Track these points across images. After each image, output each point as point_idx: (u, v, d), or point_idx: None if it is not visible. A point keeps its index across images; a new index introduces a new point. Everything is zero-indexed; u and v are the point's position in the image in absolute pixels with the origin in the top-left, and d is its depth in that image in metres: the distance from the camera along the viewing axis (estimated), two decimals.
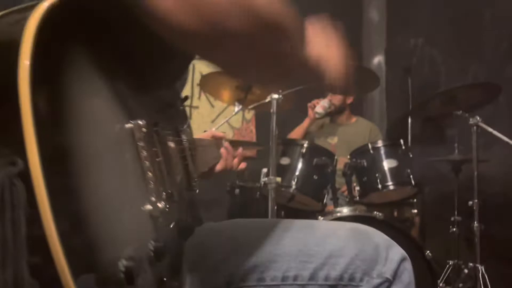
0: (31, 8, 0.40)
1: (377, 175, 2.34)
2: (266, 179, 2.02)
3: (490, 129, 2.41)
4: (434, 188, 3.61)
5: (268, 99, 2.07)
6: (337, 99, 3.22)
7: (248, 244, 0.69)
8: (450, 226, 2.81)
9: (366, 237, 0.73)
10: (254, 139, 3.82)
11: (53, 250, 0.35)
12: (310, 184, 2.40)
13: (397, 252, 0.72)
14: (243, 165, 1.15)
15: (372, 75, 2.43)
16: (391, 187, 2.33)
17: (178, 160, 0.69)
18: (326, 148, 2.58)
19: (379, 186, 2.32)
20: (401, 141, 2.44)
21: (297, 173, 2.40)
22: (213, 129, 2.56)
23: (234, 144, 3.41)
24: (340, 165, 2.54)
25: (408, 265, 0.72)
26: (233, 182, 2.85)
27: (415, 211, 2.71)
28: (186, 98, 0.77)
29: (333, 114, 3.31)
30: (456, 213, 2.85)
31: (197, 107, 3.75)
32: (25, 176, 0.35)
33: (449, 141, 2.98)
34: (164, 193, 0.57)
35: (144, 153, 0.53)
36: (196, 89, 3.72)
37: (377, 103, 4.35)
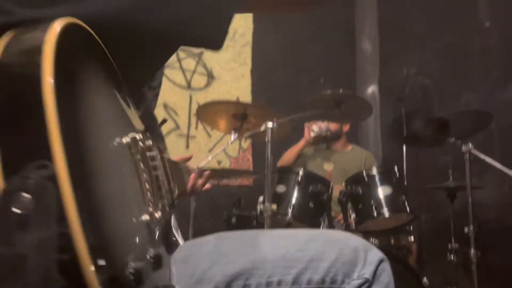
0: (43, 28, 0.45)
1: (372, 202, 2.36)
2: (262, 206, 2.04)
3: (482, 156, 2.44)
4: (430, 215, 3.62)
5: (263, 128, 2.11)
6: (334, 126, 3.27)
7: (231, 253, 0.71)
8: (448, 253, 2.80)
9: (345, 241, 0.75)
10: (251, 168, 3.85)
11: (77, 245, 0.38)
12: (306, 212, 2.41)
13: (375, 253, 0.74)
14: (208, 187, 1.24)
15: (365, 104, 2.48)
16: (387, 214, 2.35)
17: (164, 177, 0.72)
18: (322, 176, 2.60)
19: (375, 213, 2.34)
20: (395, 168, 2.47)
21: (293, 201, 2.41)
22: (209, 157, 2.60)
23: (231, 173, 3.45)
24: (336, 193, 2.56)
25: (386, 266, 0.75)
26: (229, 210, 2.86)
27: (412, 238, 2.71)
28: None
29: (329, 140, 3.35)
30: (453, 240, 2.84)
31: (194, 137, 3.79)
32: (54, 178, 0.39)
33: (443, 168, 3.01)
34: (160, 204, 0.60)
35: (141, 166, 0.56)
36: (193, 119, 3.77)
37: (372, 131, 4.41)
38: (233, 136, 2.47)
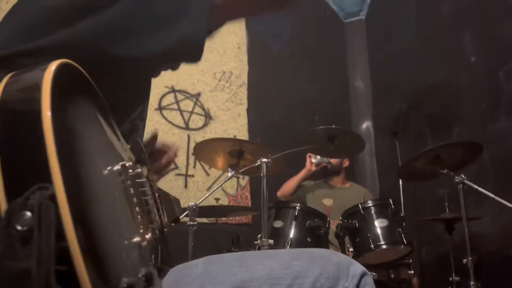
0: (41, 68, 0.50)
1: (369, 235, 2.38)
2: (258, 241, 2.05)
3: (475, 186, 2.48)
4: (430, 248, 3.60)
5: (258, 163, 2.16)
6: (334, 160, 3.33)
7: (220, 274, 0.74)
8: (449, 286, 2.78)
9: (328, 257, 0.79)
10: (249, 206, 3.86)
11: (75, 259, 0.42)
12: (304, 247, 2.42)
13: (357, 267, 0.77)
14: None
15: (358, 138, 2.54)
16: (384, 247, 2.36)
17: (153, 203, 0.77)
18: (318, 210, 2.63)
19: (372, 246, 2.35)
20: (390, 200, 2.49)
21: (290, 235, 2.43)
22: (207, 194, 2.63)
23: (229, 209, 3.44)
24: (334, 228, 2.58)
25: (369, 280, 0.78)
26: (228, 248, 2.86)
27: (412, 271, 2.70)
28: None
29: (329, 173, 3.39)
30: (453, 272, 2.83)
31: (192, 176, 3.82)
32: (54, 198, 0.43)
33: (440, 201, 3.04)
34: (150, 227, 0.64)
35: (132, 191, 0.61)
36: (191, 159, 3.82)
37: (368, 166, 4.46)
38: (230, 173, 2.51)
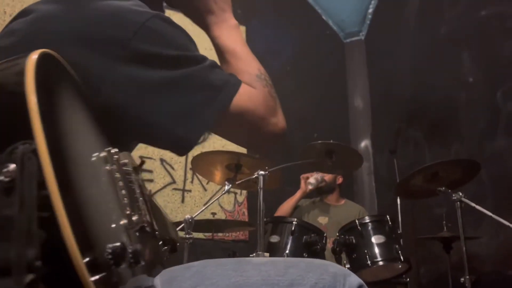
0: (23, 57, 0.53)
1: (366, 251, 2.36)
2: (254, 255, 2.03)
3: (473, 204, 2.46)
4: (428, 267, 3.56)
5: (255, 175, 2.15)
6: (328, 176, 3.32)
7: (214, 276, 0.73)
8: None
9: (325, 267, 0.77)
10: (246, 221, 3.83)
11: (57, 209, 0.44)
12: None
13: (354, 279, 0.76)
14: None
15: (356, 154, 2.55)
16: (381, 263, 2.33)
17: (143, 200, 0.77)
18: (315, 226, 2.61)
19: (369, 262, 2.33)
20: (387, 217, 2.48)
21: (287, 251, 2.40)
22: (203, 207, 2.61)
23: (226, 223, 3.43)
24: (330, 245, 2.56)
25: None
26: None
27: None
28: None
29: (323, 191, 3.38)
30: None
31: (190, 191, 3.81)
32: (36, 152, 0.46)
33: (438, 220, 3.02)
34: (138, 208, 0.65)
35: (117, 175, 0.62)
36: (189, 173, 3.81)
37: (366, 185, 4.45)
38: (226, 186, 2.51)
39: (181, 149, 0.77)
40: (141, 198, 0.71)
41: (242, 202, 3.93)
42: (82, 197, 0.50)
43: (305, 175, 3.31)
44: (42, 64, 0.53)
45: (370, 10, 4.82)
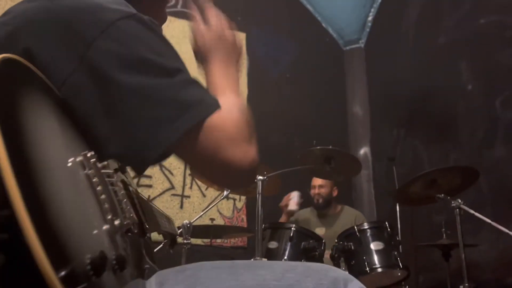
0: None
1: (364, 257, 2.35)
2: (252, 259, 2.03)
3: (472, 211, 2.46)
4: (427, 275, 3.55)
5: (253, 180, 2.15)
6: (324, 192, 3.30)
7: (208, 279, 0.70)
8: None
9: (324, 272, 0.74)
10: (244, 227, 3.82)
11: (24, 227, 0.41)
12: None
13: (355, 284, 0.72)
14: None
15: (354, 160, 2.55)
16: (379, 270, 2.32)
17: (128, 199, 0.73)
18: (314, 232, 2.60)
19: (367, 268, 2.32)
20: (386, 223, 2.47)
21: (285, 257, 2.40)
22: (201, 213, 2.60)
23: (224, 229, 3.41)
24: (327, 256, 2.55)
25: None
26: None
27: None
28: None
29: (320, 207, 3.35)
30: None
31: (188, 197, 3.80)
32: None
33: (437, 227, 3.01)
34: (122, 211, 0.63)
35: (96, 179, 0.59)
36: (188, 179, 3.81)
37: (365, 192, 4.44)
38: (225, 192, 2.50)
39: (136, 165, 0.68)
40: (125, 200, 0.68)
41: (241, 208, 3.93)
42: (54, 208, 0.47)
43: (283, 203, 3.29)
44: (2, 71, 0.51)
45: (370, 18, 4.85)
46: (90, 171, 0.58)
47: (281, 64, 4.58)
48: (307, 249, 2.41)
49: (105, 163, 0.63)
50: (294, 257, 2.39)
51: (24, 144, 0.49)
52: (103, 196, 0.58)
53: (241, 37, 3.87)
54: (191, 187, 3.82)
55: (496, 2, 3.39)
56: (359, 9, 4.81)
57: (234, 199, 3.93)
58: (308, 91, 4.57)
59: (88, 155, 0.59)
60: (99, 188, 0.59)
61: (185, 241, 2.29)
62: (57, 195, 0.49)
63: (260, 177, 2.13)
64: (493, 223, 2.42)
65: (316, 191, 3.30)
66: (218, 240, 3.51)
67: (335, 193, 3.42)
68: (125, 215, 0.66)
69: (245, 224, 3.87)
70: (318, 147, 2.50)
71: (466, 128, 3.53)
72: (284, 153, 4.02)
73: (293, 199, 3.18)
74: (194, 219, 2.39)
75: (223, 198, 2.46)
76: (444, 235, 2.91)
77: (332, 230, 3.25)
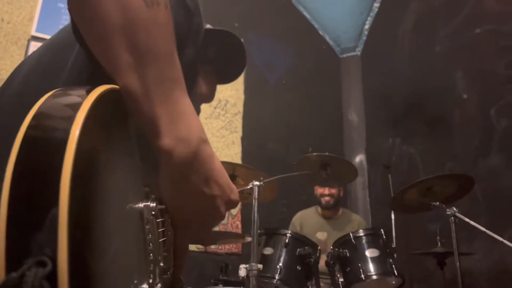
0: (87, 89, 0.46)
1: (359, 264, 2.34)
2: (247, 266, 2.01)
3: (467, 219, 2.46)
4: (422, 283, 3.54)
5: (249, 186, 2.14)
6: (336, 193, 3.34)
7: None
8: None
9: None
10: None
11: None
12: (294, 275, 2.37)
13: None
14: None
15: (350, 166, 2.54)
16: (374, 277, 2.31)
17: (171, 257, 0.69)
18: (309, 238, 2.59)
19: (362, 276, 2.31)
20: (382, 230, 2.47)
21: (280, 263, 2.38)
22: None
23: (218, 234, 3.40)
24: (322, 263, 2.54)
25: None
26: (216, 276, 2.80)
27: None
28: None
29: (330, 207, 3.37)
30: None
31: None
32: (53, 278, 0.36)
33: (432, 236, 3.01)
34: (159, 277, 0.57)
35: (150, 236, 0.55)
36: None
37: (361, 199, 4.44)
38: None
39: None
40: (161, 240, 0.62)
41: (235, 215, 3.91)
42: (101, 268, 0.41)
43: None
44: (104, 102, 0.45)
45: (367, 26, 4.88)
46: (147, 227, 0.54)
47: (277, 71, 4.59)
48: (303, 255, 2.39)
49: (163, 207, 0.59)
50: (289, 263, 2.38)
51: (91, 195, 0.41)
52: (151, 256, 0.54)
53: None
54: None
55: (491, 11, 3.42)
56: (356, 17, 4.84)
57: None
58: (305, 98, 4.58)
59: (151, 205, 0.54)
60: (150, 246, 0.54)
61: None
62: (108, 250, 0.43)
63: (257, 183, 2.12)
64: (488, 232, 2.42)
65: (327, 192, 3.31)
66: (213, 247, 3.49)
67: (341, 193, 3.46)
68: (166, 276, 0.62)
69: (240, 231, 3.85)
70: (315, 154, 2.50)
71: (461, 137, 3.54)
72: (281, 160, 4.02)
73: None
74: None
75: None
76: (439, 243, 2.91)
77: (334, 235, 3.24)
